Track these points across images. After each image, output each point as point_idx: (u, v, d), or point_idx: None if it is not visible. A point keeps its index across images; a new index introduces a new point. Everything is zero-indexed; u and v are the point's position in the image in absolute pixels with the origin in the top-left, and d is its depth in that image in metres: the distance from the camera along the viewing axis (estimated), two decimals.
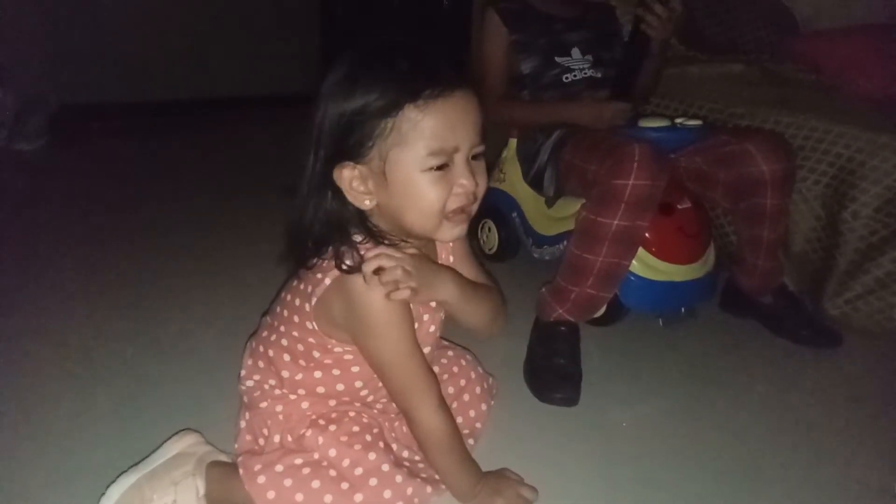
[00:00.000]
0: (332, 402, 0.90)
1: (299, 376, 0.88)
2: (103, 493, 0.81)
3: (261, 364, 0.92)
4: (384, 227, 0.80)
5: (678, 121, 1.32)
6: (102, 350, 1.23)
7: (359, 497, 0.81)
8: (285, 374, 0.89)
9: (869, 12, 1.95)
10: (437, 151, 0.73)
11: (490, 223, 1.73)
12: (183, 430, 0.92)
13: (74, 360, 1.19)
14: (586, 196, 1.24)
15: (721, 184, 1.33)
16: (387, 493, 0.82)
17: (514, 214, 1.64)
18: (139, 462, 0.86)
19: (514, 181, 1.63)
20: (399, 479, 0.84)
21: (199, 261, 1.67)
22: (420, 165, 0.73)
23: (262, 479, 0.82)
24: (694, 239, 1.36)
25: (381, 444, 0.87)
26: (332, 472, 0.83)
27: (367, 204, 0.77)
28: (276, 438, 0.88)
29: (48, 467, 0.92)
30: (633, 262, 1.26)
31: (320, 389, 0.89)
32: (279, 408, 0.89)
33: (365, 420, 0.90)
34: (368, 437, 0.87)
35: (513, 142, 1.65)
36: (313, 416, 0.88)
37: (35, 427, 1.01)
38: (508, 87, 1.53)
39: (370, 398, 0.92)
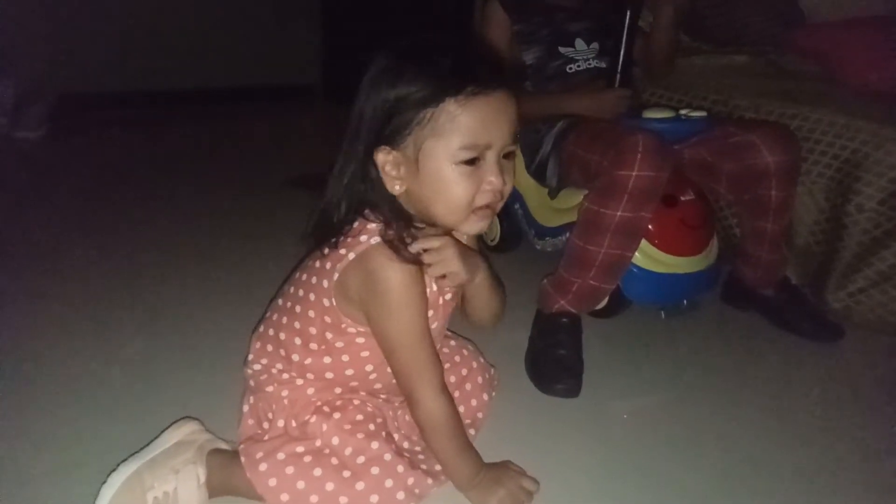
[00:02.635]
0: (338, 390, 0.90)
1: (308, 360, 0.88)
2: (104, 482, 0.81)
3: (269, 348, 0.92)
4: (414, 214, 0.82)
5: (682, 112, 1.31)
6: (102, 338, 1.23)
7: (360, 485, 0.81)
8: (295, 357, 0.89)
9: (874, 4, 1.93)
10: (469, 146, 0.75)
11: None
12: (183, 418, 0.92)
13: (74, 349, 1.19)
14: (589, 187, 1.23)
15: (725, 175, 1.33)
16: (388, 483, 0.82)
17: (517, 206, 1.64)
18: (139, 450, 0.86)
19: (516, 172, 1.61)
20: (401, 468, 0.84)
21: (199, 250, 1.67)
22: (452, 158, 0.76)
23: (263, 467, 0.82)
24: (697, 231, 1.35)
25: (384, 434, 0.88)
26: (335, 461, 0.83)
27: (397, 189, 0.80)
28: (280, 423, 0.88)
29: (49, 456, 0.92)
30: (636, 253, 1.26)
31: (329, 375, 0.89)
32: (285, 392, 0.90)
33: (369, 409, 0.90)
34: (372, 427, 0.87)
35: None
36: (318, 403, 0.88)
37: (36, 417, 1.01)
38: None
39: (377, 385, 0.92)
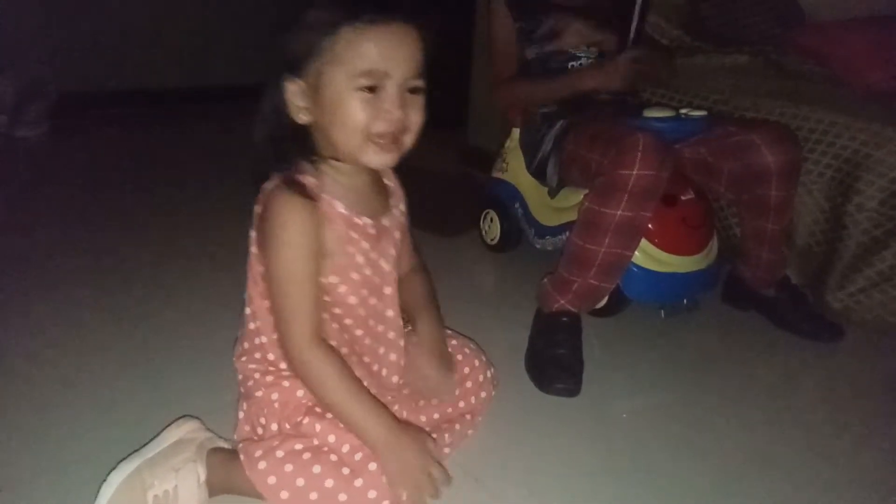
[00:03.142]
0: None
1: (276, 336, 0.88)
2: (104, 480, 0.81)
3: (246, 345, 0.93)
4: (322, 148, 0.83)
5: (683, 112, 1.31)
6: (101, 337, 1.22)
7: (359, 482, 0.81)
8: (270, 356, 0.89)
9: (875, 4, 1.93)
10: (366, 73, 0.77)
11: (492, 214, 1.73)
12: (182, 416, 0.92)
13: (72, 346, 1.19)
14: (589, 186, 1.23)
15: (726, 175, 1.32)
16: (385, 479, 0.82)
17: (517, 205, 1.64)
18: (139, 449, 0.86)
19: (516, 171, 1.62)
20: (373, 494, 0.81)
21: (198, 247, 1.66)
22: (350, 84, 0.77)
23: (262, 465, 0.82)
24: (697, 230, 1.35)
25: None
26: (333, 458, 0.82)
27: (302, 118, 0.81)
28: (274, 427, 0.88)
29: (48, 455, 0.92)
30: (636, 252, 1.26)
31: None
32: (274, 395, 0.89)
33: None
34: None
35: (516, 132, 1.64)
36: (309, 404, 0.88)
37: (34, 415, 1.01)
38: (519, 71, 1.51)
39: (357, 372, 0.89)
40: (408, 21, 0.79)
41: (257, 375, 0.90)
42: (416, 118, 0.82)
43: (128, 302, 1.36)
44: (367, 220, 0.86)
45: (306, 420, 0.86)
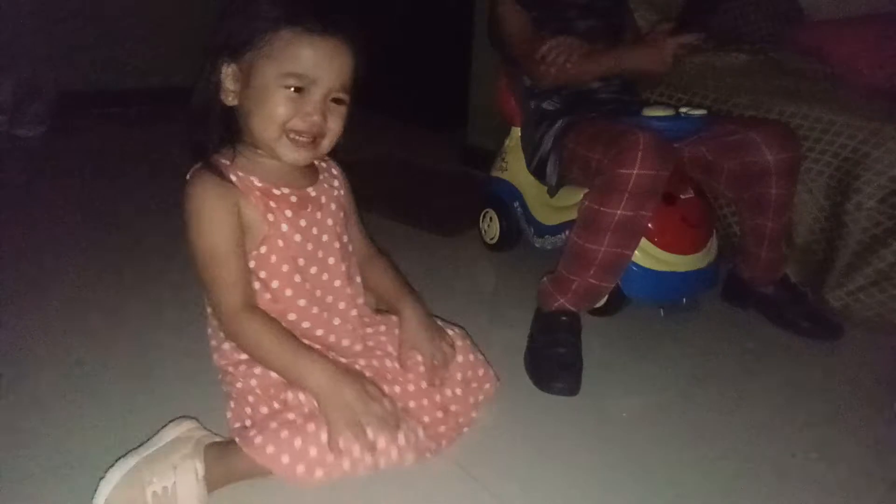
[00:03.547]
0: None
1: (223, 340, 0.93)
2: (102, 477, 0.81)
3: (213, 342, 0.97)
4: (243, 133, 0.88)
5: (683, 110, 1.31)
6: (100, 336, 1.22)
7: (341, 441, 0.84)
8: (225, 346, 0.93)
9: (874, 2, 1.93)
10: (296, 74, 0.83)
11: (492, 213, 1.73)
12: (179, 416, 0.92)
13: (72, 346, 1.19)
14: (589, 185, 1.23)
15: (726, 173, 1.32)
16: (380, 443, 0.86)
17: (517, 204, 1.64)
18: (137, 447, 0.86)
19: (516, 170, 1.62)
20: (381, 442, 0.86)
21: None
22: (279, 81, 0.83)
23: (259, 440, 0.84)
24: (696, 229, 1.35)
25: None
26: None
27: (230, 100, 0.87)
28: (264, 409, 0.90)
29: (46, 454, 0.92)
30: (636, 251, 1.26)
31: None
32: (253, 382, 0.92)
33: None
34: None
35: (515, 131, 1.64)
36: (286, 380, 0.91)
37: (31, 414, 1.00)
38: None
39: (319, 332, 0.95)
40: (345, 39, 0.85)
41: (230, 368, 0.94)
42: (335, 126, 0.88)
43: (127, 301, 1.36)
44: (286, 190, 0.91)
45: (290, 394, 0.89)
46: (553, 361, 1.18)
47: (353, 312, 0.99)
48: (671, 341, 1.36)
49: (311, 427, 0.85)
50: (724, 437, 1.06)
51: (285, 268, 0.91)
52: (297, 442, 0.84)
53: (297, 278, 0.92)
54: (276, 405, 0.90)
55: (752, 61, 1.81)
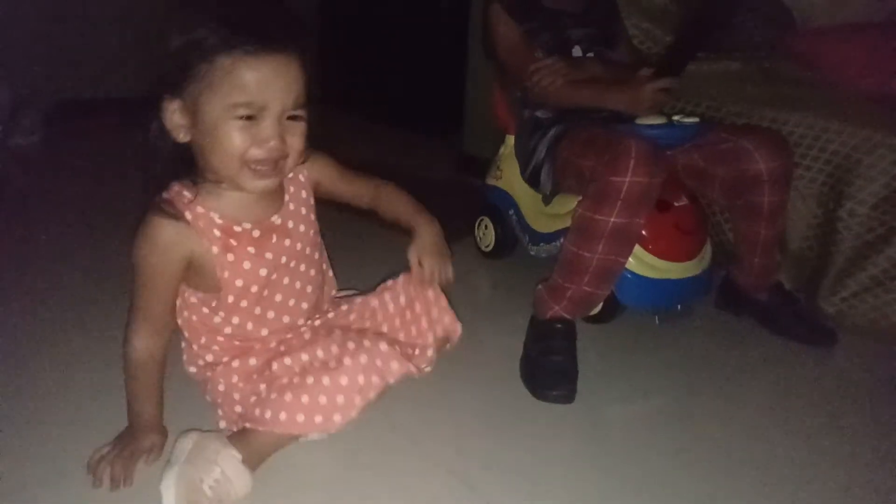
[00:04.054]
0: (258, 346, 0.96)
1: (204, 340, 0.95)
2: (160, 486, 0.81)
3: (185, 356, 0.99)
4: (202, 167, 0.85)
5: (675, 118, 1.32)
6: (96, 346, 1.22)
7: (346, 363, 0.88)
8: (194, 346, 0.96)
9: (866, 11, 1.95)
10: (243, 104, 0.78)
11: (487, 221, 1.73)
12: (183, 432, 0.91)
13: (71, 357, 1.18)
14: (583, 193, 1.23)
15: (719, 181, 1.33)
16: (363, 359, 0.89)
17: (511, 212, 1.64)
18: (168, 460, 0.86)
19: (511, 178, 1.63)
20: (364, 358, 0.89)
21: None
22: (227, 113, 0.78)
23: (269, 414, 0.86)
24: (690, 236, 1.36)
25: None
26: (317, 365, 0.90)
27: (181, 137, 0.82)
28: (253, 399, 0.91)
29: (46, 464, 0.92)
30: (630, 258, 1.26)
31: (237, 342, 0.95)
32: (234, 378, 0.94)
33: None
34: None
35: (510, 139, 1.65)
36: (264, 360, 0.94)
37: (33, 423, 1.00)
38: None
39: (264, 332, 0.97)
40: (289, 51, 0.79)
41: (208, 374, 0.96)
42: (295, 144, 0.84)
43: (125, 310, 1.35)
44: (248, 225, 0.89)
45: (275, 365, 0.91)
46: (549, 369, 1.18)
47: (317, 322, 1.02)
48: (666, 348, 1.37)
49: (309, 380, 0.87)
50: (721, 444, 1.06)
51: (244, 303, 0.92)
52: (304, 398, 0.86)
53: (258, 310, 0.94)
54: (262, 386, 0.91)
55: (745, 69, 1.82)
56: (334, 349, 0.91)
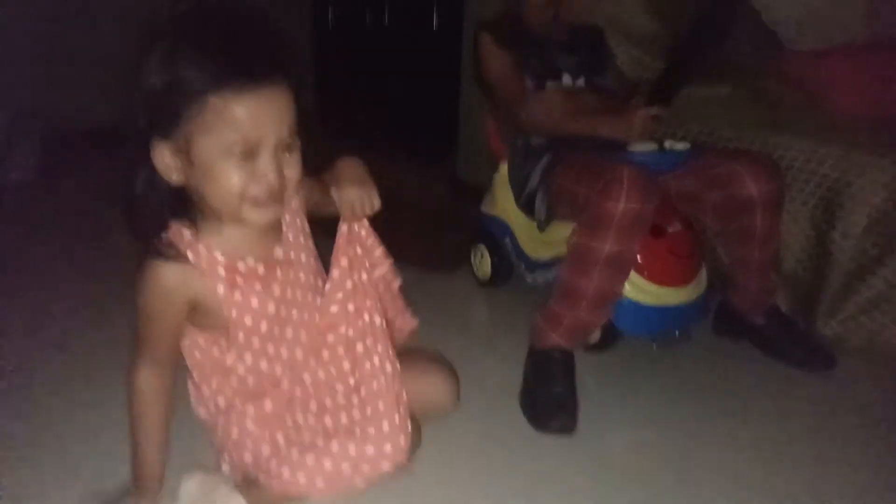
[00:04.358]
0: (271, 388, 0.94)
1: (215, 383, 0.93)
2: None
3: (194, 398, 0.97)
4: (199, 207, 0.84)
5: (666, 144, 1.33)
6: (89, 389, 1.21)
7: (370, 449, 0.89)
8: (205, 389, 0.93)
9: (851, 34, 1.98)
10: (238, 142, 0.76)
11: (483, 249, 1.73)
12: (186, 474, 0.90)
13: (59, 396, 1.17)
14: (577, 220, 1.24)
15: (711, 205, 1.34)
16: (385, 426, 0.91)
17: (507, 239, 1.64)
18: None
19: (506, 206, 1.63)
20: (386, 426, 0.91)
21: None
22: (222, 153, 0.77)
23: (287, 473, 0.87)
24: (685, 261, 1.36)
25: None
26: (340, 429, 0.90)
27: (174, 179, 0.80)
28: (265, 449, 0.90)
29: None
30: (626, 285, 1.26)
31: (250, 381, 0.92)
32: (249, 424, 0.91)
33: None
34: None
35: (503, 167, 1.66)
36: (280, 404, 0.92)
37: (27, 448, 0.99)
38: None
39: (278, 369, 0.94)
40: (277, 81, 0.78)
41: (220, 419, 0.93)
42: (292, 174, 0.83)
43: (120, 347, 1.35)
44: (252, 262, 0.87)
45: (297, 417, 0.91)
46: (548, 400, 1.17)
47: (325, 354, 0.98)
48: (665, 374, 1.36)
49: (334, 446, 0.87)
50: (723, 470, 1.05)
51: (255, 341, 0.90)
52: (327, 464, 0.86)
53: (270, 348, 0.92)
54: (280, 438, 0.90)
55: (735, 93, 1.85)
56: (356, 414, 0.91)
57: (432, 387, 1.06)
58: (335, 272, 0.97)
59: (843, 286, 1.44)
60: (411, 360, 1.03)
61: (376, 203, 0.98)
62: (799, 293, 1.54)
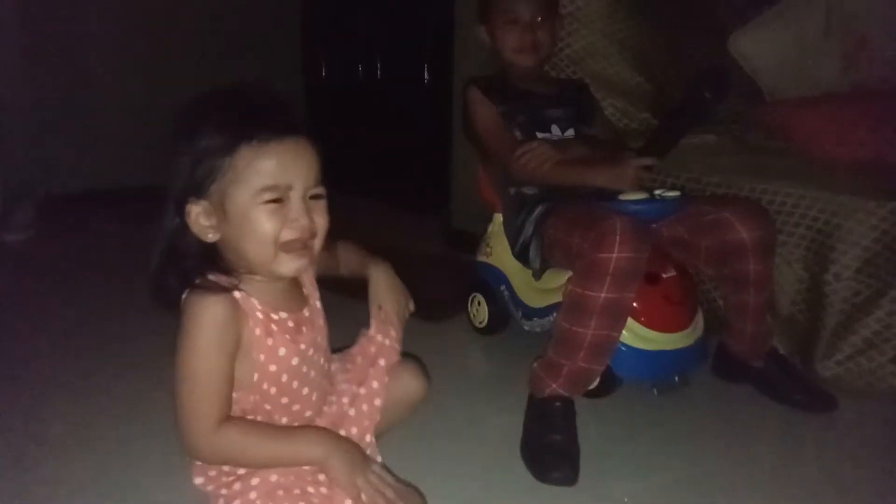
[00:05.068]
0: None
1: None
2: None
3: (196, 467, 0.94)
4: (234, 263, 0.86)
5: (657, 192, 1.36)
6: (81, 460, 1.19)
7: None
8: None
9: (830, 83, 2.04)
10: (270, 187, 0.81)
11: (479, 297, 1.74)
12: None
13: (48, 472, 1.15)
14: (572, 268, 1.25)
15: (704, 251, 1.36)
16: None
17: (503, 288, 1.65)
18: None
19: (501, 255, 1.65)
20: None
21: None
22: (255, 199, 0.81)
23: None
24: (681, 306, 1.37)
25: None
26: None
27: (210, 237, 0.84)
28: None
29: None
30: (624, 332, 1.27)
31: None
32: (253, 495, 0.88)
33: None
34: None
35: (498, 216, 1.68)
36: (287, 477, 0.89)
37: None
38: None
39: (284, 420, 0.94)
40: (296, 134, 0.84)
41: (223, 491, 0.90)
42: (321, 222, 0.87)
43: (117, 403, 1.33)
44: (284, 314, 0.90)
45: (309, 488, 0.88)
46: (549, 450, 1.16)
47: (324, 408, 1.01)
48: (666, 420, 1.35)
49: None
50: None
51: (273, 390, 0.90)
52: None
53: (285, 400, 0.92)
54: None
55: (721, 141, 1.89)
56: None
57: (399, 382, 1.08)
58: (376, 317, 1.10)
59: (839, 327, 1.45)
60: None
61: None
62: (796, 335, 1.55)
